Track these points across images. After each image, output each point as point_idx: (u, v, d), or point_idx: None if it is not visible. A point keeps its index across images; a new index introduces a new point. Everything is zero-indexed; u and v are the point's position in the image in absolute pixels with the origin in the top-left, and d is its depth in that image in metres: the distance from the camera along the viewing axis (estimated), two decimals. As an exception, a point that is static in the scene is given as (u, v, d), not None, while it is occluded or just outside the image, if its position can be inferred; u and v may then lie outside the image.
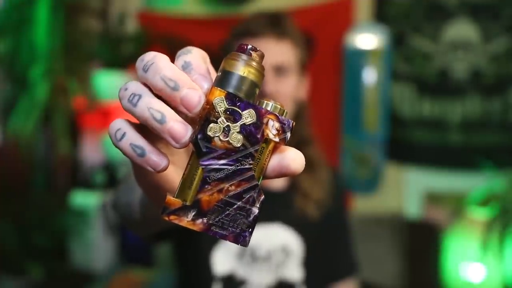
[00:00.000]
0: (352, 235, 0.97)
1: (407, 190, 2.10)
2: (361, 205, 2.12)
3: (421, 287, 1.87)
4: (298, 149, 0.29)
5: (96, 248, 2.10)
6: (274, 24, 0.81)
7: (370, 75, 2.07)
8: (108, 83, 2.28)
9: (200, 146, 0.28)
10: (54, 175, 2.43)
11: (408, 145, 2.07)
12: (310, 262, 0.86)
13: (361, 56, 2.07)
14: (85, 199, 2.13)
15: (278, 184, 0.88)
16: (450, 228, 1.95)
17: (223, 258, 0.81)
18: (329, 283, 0.93)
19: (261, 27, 0.80)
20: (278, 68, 0.81)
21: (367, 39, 2.06)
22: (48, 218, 2.18)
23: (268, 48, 0.78)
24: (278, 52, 0.81)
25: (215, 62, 0.32)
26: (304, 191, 0.85)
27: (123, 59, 2.32)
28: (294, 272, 0.84)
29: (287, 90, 0.82)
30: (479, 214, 1.62)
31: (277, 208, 0.86)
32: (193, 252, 0.83)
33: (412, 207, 2.09)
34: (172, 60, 0.30)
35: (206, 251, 0.82)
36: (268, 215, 0.84)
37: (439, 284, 1.84)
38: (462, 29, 1.98)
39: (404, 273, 1.90)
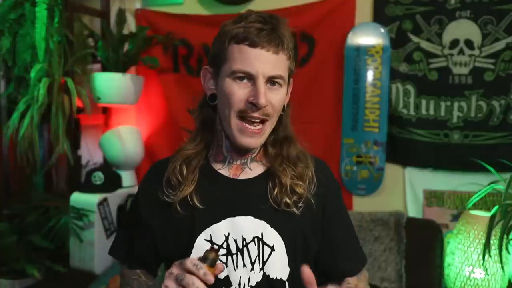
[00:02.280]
0: (352, 225, 0.98)
1: (407, 190, 2.10)
2: (361, 205, 2.13)
3: (421, 287, 1.87)
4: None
5: (96, 248, 2.10)
6: (273, 34, 0.83)
7: (370, 75, 2.07)
8: (108, 83, 2.28)
9: None
10: (54, 175, 2.43)
11: (408, 145, 2.07)
12: (294, 257, 0.87)
13: (361, 56, 2.08)
14: (85, 199, 2.12)
15: (260, 177, 0.89)
16: (450, 228, 1.96)
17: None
18: (346, 278, 0.94)
19: (260, 37, 0.82)
20: (273, 81, 0.84)
21: (367, 39, 2.07)
22: (48, 218, 2.18)
23: (266, 60, 0.83)
24: (275, 64, 0.85)
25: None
26: (286, 187, 0.86)
27: (123, 59, 2.33)
28: (279, 268, 0.85)
29: (279, 100, 0.86)
30: (479, 214, 1.62)
31: (259, 204, 0.86)
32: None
33: (412, 207, 2.09)
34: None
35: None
36: (249, 210, 0.85)
37: (439, 284, 1.84)
38: (462, 29, 1.98)
39: (404, 273, 1.90)
